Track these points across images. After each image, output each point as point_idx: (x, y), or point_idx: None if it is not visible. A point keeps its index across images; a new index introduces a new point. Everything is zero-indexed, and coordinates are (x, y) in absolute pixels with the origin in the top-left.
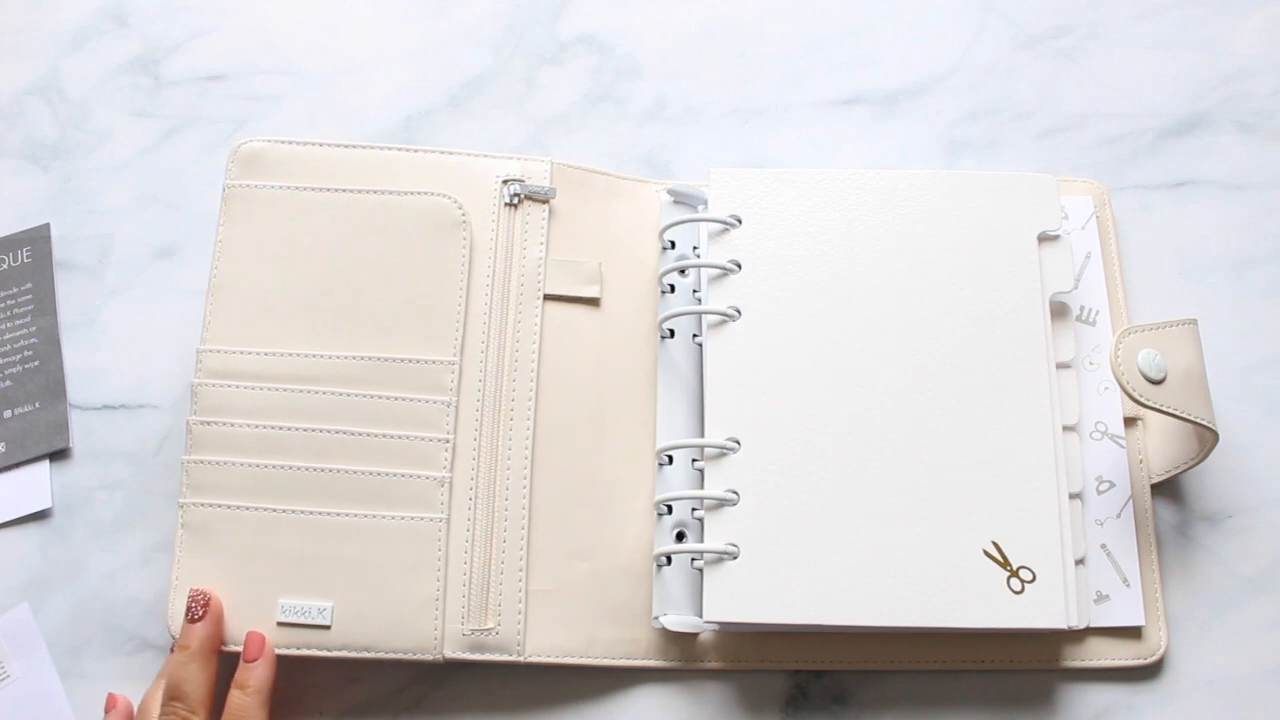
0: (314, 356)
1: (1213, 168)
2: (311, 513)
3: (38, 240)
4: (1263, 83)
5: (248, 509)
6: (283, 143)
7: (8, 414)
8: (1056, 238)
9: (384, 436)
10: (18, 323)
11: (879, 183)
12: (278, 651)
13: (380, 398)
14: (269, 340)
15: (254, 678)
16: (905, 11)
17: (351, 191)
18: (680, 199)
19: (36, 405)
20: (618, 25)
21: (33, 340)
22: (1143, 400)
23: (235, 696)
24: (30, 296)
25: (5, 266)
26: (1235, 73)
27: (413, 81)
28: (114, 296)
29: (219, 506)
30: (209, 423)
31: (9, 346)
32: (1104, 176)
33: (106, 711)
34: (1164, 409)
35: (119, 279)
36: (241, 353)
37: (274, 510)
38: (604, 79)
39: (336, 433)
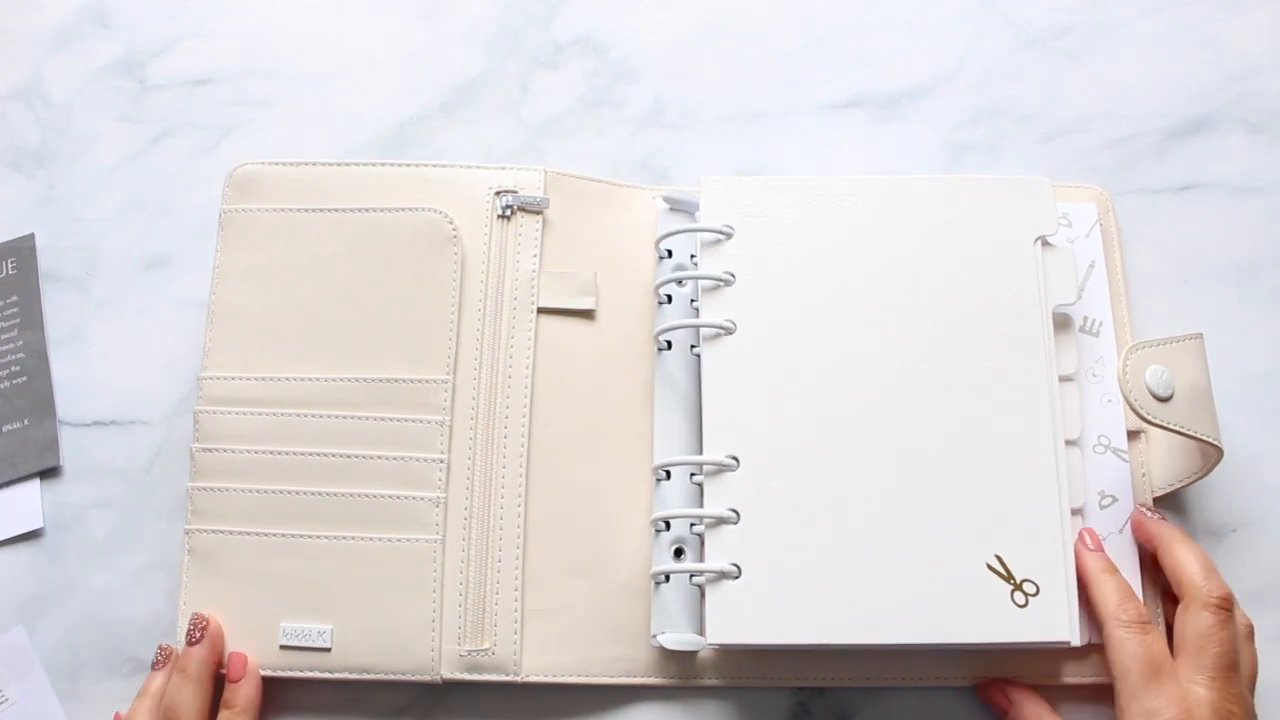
0: (309, 380)
1: (1220, 170)
2: (310, 536)
3: (22, 251)
4: (1271, 82)
5: (249, 534)
6: (276, 164)
7: None
8: (1057, 244)
9: (379, 458)
10: (4, 337)
11: (871, 189)
12: (281, 674)
13: (374, 419)
14: (266, 365)
15: (240, 696)
16: (905, 13)
17: (343, 211)
18: (676, 205)
19: (25, 422)
20: (613, 27)
21: (20, 355)
22: (1152, 419)
23: (224, 716)
24: (16, 310)
25: None
26: (1242, 72)
27: (405, 86)
28: (102, 309)
29: (222, 533)
30: (210, 449)
31: None
32: (1108, 180)
33: None
34: (1172, 427)
35: (107, 290)
36: (240, 379)
37: (274, 535)
38: (600, 82)
39: (332, 456)
